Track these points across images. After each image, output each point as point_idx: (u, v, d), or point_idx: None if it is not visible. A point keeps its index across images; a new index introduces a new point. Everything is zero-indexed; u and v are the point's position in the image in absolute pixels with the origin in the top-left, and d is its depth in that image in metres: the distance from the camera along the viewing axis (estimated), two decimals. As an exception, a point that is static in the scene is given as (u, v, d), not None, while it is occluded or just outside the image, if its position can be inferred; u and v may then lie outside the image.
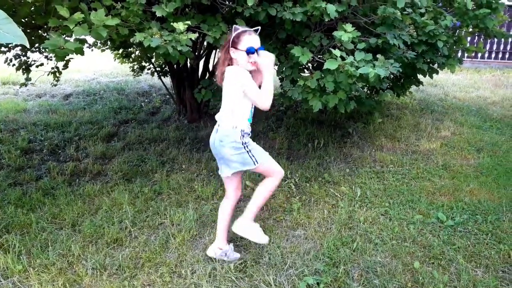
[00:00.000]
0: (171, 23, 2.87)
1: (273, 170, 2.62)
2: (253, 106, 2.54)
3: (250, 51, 2.38)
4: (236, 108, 2.49)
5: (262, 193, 2.65)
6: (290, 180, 4.04)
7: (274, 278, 2.61)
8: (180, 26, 2.79)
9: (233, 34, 2.41)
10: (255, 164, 2.53)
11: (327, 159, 4.70)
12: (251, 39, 2.40)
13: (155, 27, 2.93)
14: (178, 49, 2.86)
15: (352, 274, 2.70)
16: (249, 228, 2.66)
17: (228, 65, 2.47)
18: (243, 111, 2.51)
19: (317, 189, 3.90)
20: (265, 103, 2.42)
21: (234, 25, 2.47)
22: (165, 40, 2.83)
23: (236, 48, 2.41)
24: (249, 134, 2.57)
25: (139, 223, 3.28)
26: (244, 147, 2.51)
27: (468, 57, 11.42)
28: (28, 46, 0.94)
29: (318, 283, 2.56)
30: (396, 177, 4.25)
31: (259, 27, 2.51)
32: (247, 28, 2.46)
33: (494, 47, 12.22)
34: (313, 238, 3.10)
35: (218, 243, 2.80)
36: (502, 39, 10.74)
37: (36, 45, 4.78)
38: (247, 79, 2.39)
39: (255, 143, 2.62)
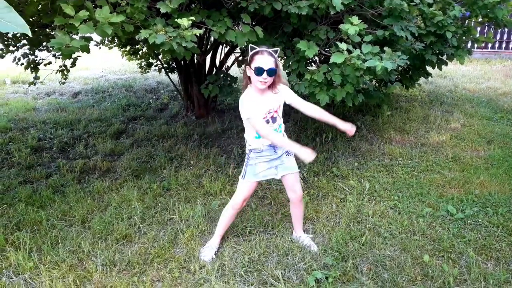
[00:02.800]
0: (176, 19, 2.87)
1: (238, 194, 2.80)
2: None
3: (258, 72, 2.48)
4: (246, 129, 2.72)
5: (220, 218, 2.91)
6: (298, 174, 4.03)
7: (282, 273, 2.61)
8: (184, 22, 2.78)
9: (250, 53, 2.54)
10: (242, 178, 2.76)
11: (335, 153, 4.68)
12: (262, 59, 2.48)
13: (160, 24, 2.93)
14: (183, 45, 2.86)
15: (361, 268, 2.69)
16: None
17: (247, 82, 2.63)
18: (251, 132, 2.68)
19: (326, 183, 3.89)
20: (263, 135, 2.62)
21: (250, 45, 2.57)
22: (170, 37, 2.83)
23: (249, 66, 2.53)
24: (259, 151, 2.70)
25: (148, 219, 3.30)
26: (247, 158, 2.75)
27: (478, 47, 11.26)
28: (30, 34, 0.93)
29: (327, 278, 2.56)
30: (405, 170, 4.21)
31: (278, 49, 2.61)
32: (263, 48, 2.54)
33: (505, 36, 12.03)
34: (322, 233, 3.09)
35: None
36: (513, 29, 10.57)
37: (44, 43, 4.81)
38: (252, 112, 2.54)
39: (259, 165, 2.72)
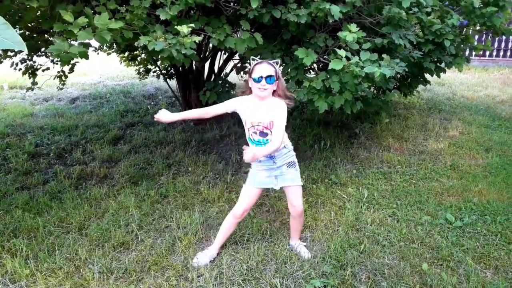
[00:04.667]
0: (175, 26, 2.87)
1: (239, 201, 2.84)
2: (251, 135, 2.69)
3: (257, 80, 2.53)
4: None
5: (221, 226, 2.92)
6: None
7: (280, 281, 2.59)
8: (184, 29, 2.79)
9: (252, 65, 2.59)
10: (244, 183, 2.84)
11: (333, 160, 4.68)
12: (261, 68, 2.54)
13: (159, 30, 2.93)
14: (183, 52, 2.86)
15: (360, 276, 2.67)
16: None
17: (250, 92, 2.66)
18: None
19: (324, 190, 3.88)
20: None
21: (252, 57, 2.62)
22: (169, 43, 2.83)
23: (250, 77, 2.59)
24: (258, 161, 2.70)
25: (145, 226, 3.28)
26: (251, 165, 2.80)
27: (476, 55, 11.29)
28: (26, 51, 0.94)
29: (325, 286, 2.54)
30: (403, 177, 4.21)
31: (279, 60, 2.64)
32: (263, 60, 2.60)
33: (502, 45, 12.09)
34: (320, 240, 3.08)
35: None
36: (510, 37, 10.65)
37: (43, 49, 4.81)
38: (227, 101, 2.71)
39: (260, 172, 2.74)
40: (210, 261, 2.82)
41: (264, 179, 2.74)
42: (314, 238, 3.12)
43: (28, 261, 2.79)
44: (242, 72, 5.09)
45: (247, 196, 2.79)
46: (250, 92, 2.64)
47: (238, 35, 3.56)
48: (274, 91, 2.60)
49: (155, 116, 2.70)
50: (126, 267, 2.74)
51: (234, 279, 2.63)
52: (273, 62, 2.57)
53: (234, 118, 5.70)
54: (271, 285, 2.57)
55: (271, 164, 2.70)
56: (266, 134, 2.63)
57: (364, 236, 3.13)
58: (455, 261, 2.82)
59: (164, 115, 2.68)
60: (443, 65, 4.76)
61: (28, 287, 2.57)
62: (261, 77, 2.50)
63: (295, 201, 2.80)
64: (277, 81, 2.56)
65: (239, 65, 5.10)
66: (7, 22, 0.94)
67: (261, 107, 2.60)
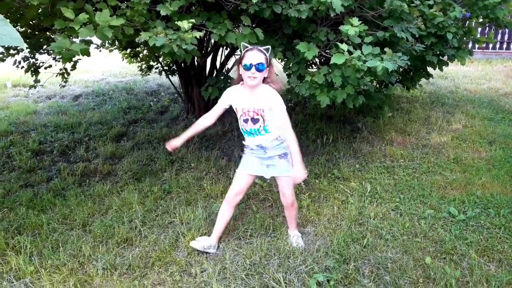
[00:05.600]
0: (176, 22, 2.86)
1: (231, 186, 2.88)
2: (242, 124, 2.74)
3: (247, 67, 2.51)
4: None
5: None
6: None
7: (284, 276, 2.60)
8: (184, 24, 2.78)
9: (242, 53, 2.57)
10: (236, 169, 2.90)
11: (336, 154, 4.67)
12: (251, 55, 2.52)
13: (160, 26, 2.92)
14: (183, 47, 2.86)
15: (363, 270, 2.68)
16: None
17: (239, 80, 2.67)
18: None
19: (327, 185, 3.88)
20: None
21: (242, 43, 2.61)
22: (170, 39, 2.82)
23: (241, 64, 2.57)
24: (247, 147, 2.81)
25: (149, 222, 3.29)
26: (244, 151, 2.87)
27: (479, 48, 11.19)
28: (24, 48, 0.94)
29: (328, 280, 2.54)
30: (406, 171, 4.20)
31: (269, 47, 2.61)
32: (254, 47, 2.57)
33: (506, 37, 12.01)
34: (323, 235, 3.08)
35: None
36: (514, 29, 10.54)
37: (44, 47, 4.81)
38: (220, 99, 2.77)
39: (252, 158, 2.81)
40: (211, 253, 2.85)
41: (256, 166, 2.78)
42: (317, 232, 3.12)
43: (32, 258, 2.81)
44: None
45: (239, 181, 2.84)
46: (242, 80, 2.63)
47: (239, 31, 3.55)
48: (265, 78, 2.60)
49: (166, 147, 2.78)
50: (130, 263, 2.76)
51: (237, 274, 2.63)
52: (264, 49, 2.55)
53: (236, 114, 5.71)
54: (274, 279, 2.57)
55: (262, 154, 2.73)
56: (258, 120, 2.65)
57: (367, 230, 3.13)
58: (459, 254, 2.82)
59: (172, 144, 2.74)
60: (445, 58, 4.74)
61: (33, 284, 2.58)
62: (251, 64, 2.49)
63: (286, 191, 2.82)
64: (268, 68, 2.56)
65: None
66: (4, 18, 0.94)
67: (252, 93, 2.61)
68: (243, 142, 2.82)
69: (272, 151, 2.70)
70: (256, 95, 2.60)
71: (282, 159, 2.73)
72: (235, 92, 2.69)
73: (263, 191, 3.76)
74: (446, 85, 8.53)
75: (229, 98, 2.72)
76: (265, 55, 2.53)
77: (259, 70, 2.50)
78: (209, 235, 2.99)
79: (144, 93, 8.41)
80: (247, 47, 2.56)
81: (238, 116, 2.72)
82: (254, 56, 2.50)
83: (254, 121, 2.65)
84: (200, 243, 2.86)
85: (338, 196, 3.69)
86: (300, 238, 3.00)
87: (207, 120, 2.78)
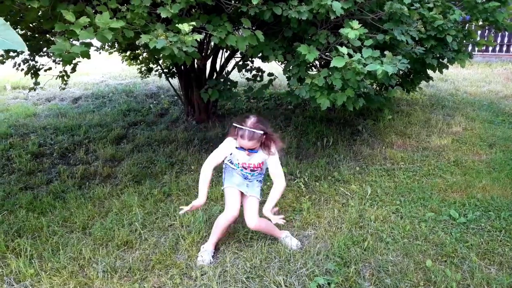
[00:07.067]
0: (176, 24, 2.86)
1: (230, 203, 2.86)
2: (241, 166, 2.91)
3: (240, 149, 2.75)
4: None
5: (214, 227, 2.90)
6: (299, 180, 4.02)
7: (284, 279, 2.59)
8: (185, 27, 2.78)
9: (235, 129, 2.71)
10: (222, 187, 3.00)
11: (336, 157, 4.67)
12: (242, 141, 2.67)
13: (160, 29, 2.93)
14: (184, 50, 2.86)
15: (364, 273, 2.67)
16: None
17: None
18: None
19: (327, 188, 3.87)
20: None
21: (234, 123, 2.73)
22: (170, 42, 2.83)
23: (236, 136, 2.72)
24: (233, 168, 2.90)
25: (149, 225, 3.29)
26: (224, 168, 2.99)
27: (478, 50, 11.24)
28: (26, 51, 0.94)
29: (329, 283, 2.54)
30: (407, 174, 4.20)
31: (261, 132, 2.68)
32: (246, 128, 2.65)
33: (505, 40, 12.03)
34: (324, 238, 3.08)
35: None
36: (513, 32, 10.55)
37: (44, 49, 4.81)
38: (212, 154, 2.82)
39: (235, 175, 2.91)
40: (212, 256, 2.83)
41: (239, 181, 2.89)
42: (318, 235, 3.11)
43: (32, 260, 2.80)
44: (243, 70, 5.09)
45: (229, 196, 2.89)
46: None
47: (239, 33, 3.55)
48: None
49: (190, 208, 2.68)
50: (130, 266, 2.75)
51: (237, 277, 2.63)
52: (258, 124, 2.66)
53: (236, 116, 5.70)
54: (274, 282, 2.57)
55: (244, 180, 2.91)
56: (256, 170, 2.88)
57: (368, 233, 3.12)
58: (459, 257, 2.81)
59: (196, 205, 2.69)
60: (445, 61, 4.74)
61: (33, 287, 2.58)
62: (243, 149, 2.70)
63: (251, 212, 2.87)
64: (263, 136, 2.70)
65: (240, 63, 5.09)
66: (6, 22, 0.94)
67: (251, 154, 2.77)
68: (230, 165, 2.92)
69: (254, 178, 2.93)
70: (256, 154, 2.80)
71: (260, 183, 2.97)
72: (234, 147, 2.79)
73: (263, 193, 3.75)
74: (446, 87, 8.54)
75: (229, 149, 2.81)
76: (256, 138, 2.65)
77: (251, 151, 2.73)
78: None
79: (144, 95, 8.41)
80: (238, 127, 2.66)
81: (236, 163, 2.87)
82: (245, 143, 2.66)
83: (253, 170, 2.88)
84: (208, 256, 2.81)
85: (339, 199, 3.68)
86: (290, 236, 3.02)
87: (212, 167, 2.79)
